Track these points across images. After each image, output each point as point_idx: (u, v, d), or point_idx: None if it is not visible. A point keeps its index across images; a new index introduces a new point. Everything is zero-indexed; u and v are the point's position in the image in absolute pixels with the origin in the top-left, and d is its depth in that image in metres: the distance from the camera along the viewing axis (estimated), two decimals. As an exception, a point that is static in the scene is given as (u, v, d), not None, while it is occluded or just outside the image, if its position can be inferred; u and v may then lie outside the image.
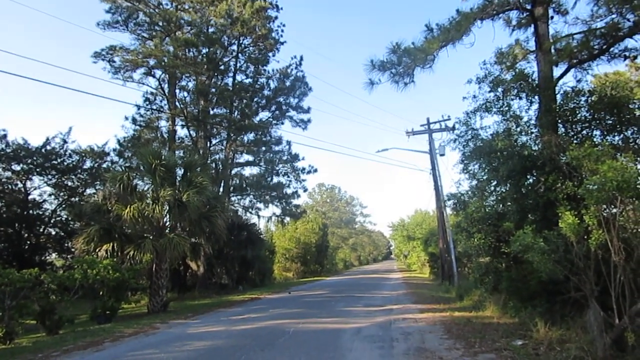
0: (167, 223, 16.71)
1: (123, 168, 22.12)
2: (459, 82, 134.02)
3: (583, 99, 9.40)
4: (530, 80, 9.88)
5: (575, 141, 9.17)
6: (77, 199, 25.60)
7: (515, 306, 10.60)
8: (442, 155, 25.93)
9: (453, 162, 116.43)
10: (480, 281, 13.66)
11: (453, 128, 24.84)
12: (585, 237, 6.63)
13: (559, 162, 8.25)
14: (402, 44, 9.58)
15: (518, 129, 9.83)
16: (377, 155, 33.13)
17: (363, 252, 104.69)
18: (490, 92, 10.08)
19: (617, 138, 9.56)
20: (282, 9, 27.12)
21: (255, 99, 28.03)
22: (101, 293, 13.83)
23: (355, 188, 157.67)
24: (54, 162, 24.67)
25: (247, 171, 30.34)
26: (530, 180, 9.66)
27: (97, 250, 14.74)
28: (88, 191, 25.93)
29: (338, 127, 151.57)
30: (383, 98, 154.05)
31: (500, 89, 9.83)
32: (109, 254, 14.79)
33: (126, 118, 26.01)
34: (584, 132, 9.73)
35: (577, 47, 9.51)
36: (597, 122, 9.46)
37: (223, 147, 28.08)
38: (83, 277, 12.75)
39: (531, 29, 11.23)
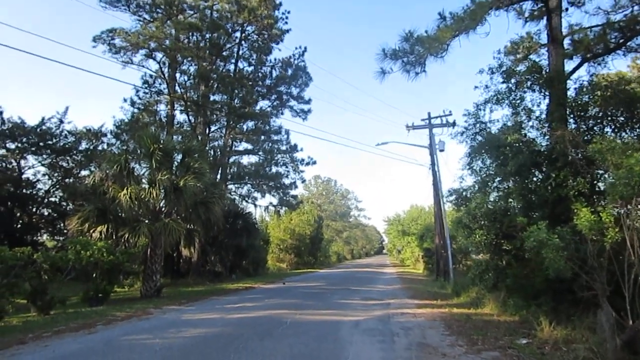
0: (163, 208, 16.41)
1: (120, 150, 21.75)
2: (461, 79, 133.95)
3: (599, 93, 9.18)
4: (543, 73, 9.64)
5: (587, 137, 8.99)
6: (71, 180, 25.22)
7: (516, 304, 10.44)
8: (441, 150, 25.65)
9: (452, 158, 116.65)
10: (479, 278, 13.51)
11: (454, 124, 24.73)
12: (599, 235, 6.45)
13: (572, 157, 8.04)
14: (415, 32, 9.31)
15: (530, 123, 9.61)
16: (376, 149, 33.08)
17: (356, 245, 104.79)
18: (503, 82, 9.84)
19: (629, 135, 9.38)
20: (288, -6, 26.73)
21: (256, 87, 27.66)
22: (94, 275, 13.53)
23: (351, 181, 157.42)
24: (49, 142, 24.24)
25: (246, 160, 30.05)
26: (540, 176, 9.48)
27: (91, 231, 14.47)
28: (83, 173, 25.53)
29: (335, 118, 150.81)
30: (384, 92, 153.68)
31: (513, 80, 9.60)
32: (103, 235, 14.52)
33: (125, 100, 25.61)
34: (596, 128, 9.54)
35: (594, 40, 9.28)
36: (610, 118, 9.26)
37: (222, 134, 27.74)
38: (76, 258, 12.46)
39: (543, 22, 11.00)
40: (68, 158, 25.49)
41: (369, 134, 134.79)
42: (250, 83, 26.71)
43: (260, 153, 28.85)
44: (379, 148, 40.53)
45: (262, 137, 28.52)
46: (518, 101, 9.74)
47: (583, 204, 6.57)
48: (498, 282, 12.11)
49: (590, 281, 6.68)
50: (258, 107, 28.09)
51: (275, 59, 28.12)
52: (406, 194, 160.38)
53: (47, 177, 25.50)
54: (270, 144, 28.94)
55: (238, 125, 27.35)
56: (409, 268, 44.49)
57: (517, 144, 9.42)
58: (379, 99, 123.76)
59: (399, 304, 13.58)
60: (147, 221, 15.24)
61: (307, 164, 29.87)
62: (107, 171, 15.39)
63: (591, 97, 9.18)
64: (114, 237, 14.93)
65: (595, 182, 8.66)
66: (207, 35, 24.57)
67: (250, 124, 27.91)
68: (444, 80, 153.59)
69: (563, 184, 8.21)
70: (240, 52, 27.29)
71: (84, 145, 25.70)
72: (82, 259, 12.61)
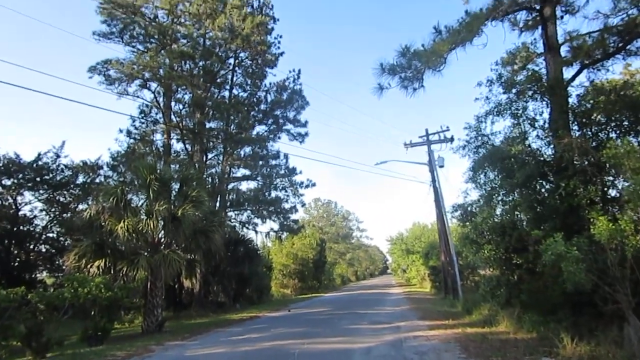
0: (162, 239, 16.05)
1: (117, 182, 21.47)
2: (458, 94, 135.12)
3: (602, 98, 8.95)
4: (543, 81, 9.47)
5: (592, 144, 8.74)
6: (68, 214, 24.85)
7: (532, 320, 10.03)
8: (441, 167, 25.54)
9: (453, 174, 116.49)
10: (491, 295, 13.12)
11: (452, 139, 24.66)
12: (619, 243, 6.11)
13: (582, 165, 7.77)
14: (412, 46, 9.14)
15: (534, 133, 9.38)
16: (375, 168, 32.82)
17: (360, 267, 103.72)
18: (504, 93, 9.65)
19: (635, 140, 9.13)
20: (279, 20, 26.89)
21: (252, 113, 27.60)
22: (93, 313, 13.05)
23: (351, 202, 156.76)
24: (46, 177, 23.97)
25: (244, 186, 29.69)
26: (548, 186, 9.20)
27: (88, 266, 14.06)
28: (80, 207, 25.15)
29: (333, 139, 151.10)
30: (381, 110, 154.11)
31: (514, 90, 9.40)
32: (101, 270, 14.09)
33: (120, 131, 25.43)
34: (601, 134, 9.30)
35: (593, 45, 9.12)
36: (615, 123, 9.02)
37: (219, 161, 27.52)
38: (73, 295, 12.01)
39: (538, 31, 10.92)
40: (65, 192, 25.17)
41: (368, 153, 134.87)
42: (245, 108, 26.62)
43: (258, 178, 28.54)
44: (379, 167, 40.28)
45: (260, 162, 28.26)
46: (520, 111, 9.55)
47: (599, 212, 6.26)
48: (511, 298, 11.72)
49: (612, 293, 6.33)
50: (255, 132, 27.95)
51: (270, 83, 28.20)
52: (408, 212, 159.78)
53: (44, 212, 25.13)
54: (268, 169, 28.67)
55: (235, 152, 27.15)
56: (415, 287, 43.76)
57: (522, 155, 9.16)
58: (376, 117, 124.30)
59: (409, 327, 13.11)
60: (145, 253, 14.85)
61: (307, 186, 29.54)
62: (104, 204, 15.06)
63: (595, 102, 8.96)
64: (112, 272, 14.52)
65: (605, 189, 8.39)
66: (201, 63, 24.60)
67: (248, 149, 27.72)
68: (442, 96, 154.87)
69: (573, 193, 7.91)
70: (235, 79, 27.34)
71: (81, 179, 25.44)
72: (79, 297, 12.15)
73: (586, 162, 7.58)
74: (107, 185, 18.87)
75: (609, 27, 9.27)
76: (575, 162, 7.88)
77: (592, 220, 6.11)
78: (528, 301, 9.91)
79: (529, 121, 9.42)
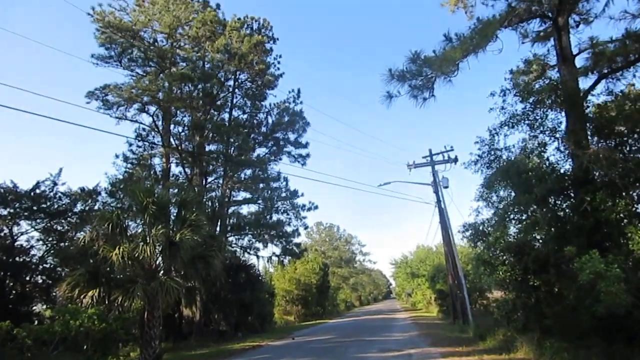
0: (160, 265, 15.37)
1: (114, 208, 20.89)
2: (459, 114, 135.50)
3: (627, 106, 8.44)
4: (559, 92, 8.99)
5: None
6: (66, 243, 24.17)
7: (555, 346, 9.30)
8: (446, 187, 25.10)
9: (459, 194, 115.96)
10: (507, 319, 12.43)
11: (455, 160, 24.31)
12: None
13: (608, 177, 7.20)
14: (422, 53, 8.67)
15: (553, 145, 8.85)
16: (378, 190, 32.17)
17: (364, 291, 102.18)
18: (521, 102, 9.15)
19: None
20: (278, 39, 26.75)
21: (252, 135, 27.25)
22: (85, 347, 12.29)
23: (353, 224, 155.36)
24: (43, 205, 23.38)
25: (245, 209, 29.05)
26: (569, 202, 8.61)
27: (81, 297, 13.34)
28: (78, 235, 24.48)
29: (335, 160, 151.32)
30: (384, 130, 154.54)
31: (531, 100, 8.90)
32: (95, 301, 13.35)
33: (117, 156, 25.01)
34: (623, 146, 8.76)
35: (615, 51, 8.66)
36: (637, 135, 8.48)
37: (219, 185, 27.00)
38: (64, 329, 11.31)
39: (551, 43, 10.53)
40: (63, 221, 24.53)
41: (371, 175, 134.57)
42: (246, 131, 26.30)
43: (259, 201, 27.94)
44: (382, 189, 39.87)
45: (261, 185, 27.77)
46: (538, 121, 9.05)
47: (637, 227, 5.66)
48: (529, 323, 11.03)
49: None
50: (255, 155, 27.52)
51: (270, 104, 27.97)
52: (412, 234, 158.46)
53: (41, 242, 24.44)
54: (269, 192, 28.09)
55: (235, 174, 26.67)
56: (421, 312, 42.68)
57: (541, 169, 8.61)
58: (380, 137, 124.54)
59: (421, 354, 12.37)
60: (142, 281, 14.14)
61: (309, 209, 28.88)
62: (99, 230, 14.43)
63: (620, 111, 8.43)
64: (107, 302, 13.76)
65: (633, 202, 7.81)
66: (200, 86, 24.35)
67: (248, 172, 27.26)
68: (446, 115, 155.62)
69: (600, 207, 7.31)
70: (235, 100, 27.09)
71: (79, 207, 24.85)
72: (71, 330, 11.45)
73: (616, 174, 7.01)
74: (103, 211, 18.26)
75: (631, 33, 8.83)
76: (605, 174, 7.32)
77: (630, 235, 5.53)
78: (552, 326, 9.20)
79: (549, 132, 8.91)
